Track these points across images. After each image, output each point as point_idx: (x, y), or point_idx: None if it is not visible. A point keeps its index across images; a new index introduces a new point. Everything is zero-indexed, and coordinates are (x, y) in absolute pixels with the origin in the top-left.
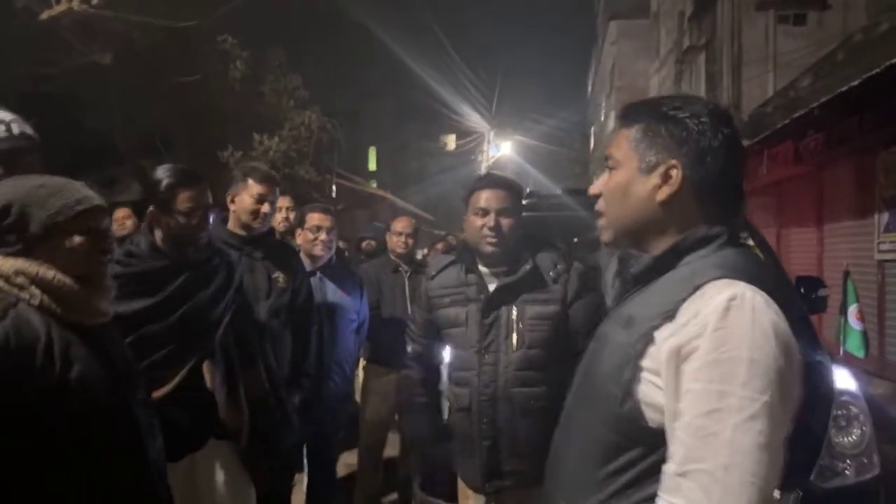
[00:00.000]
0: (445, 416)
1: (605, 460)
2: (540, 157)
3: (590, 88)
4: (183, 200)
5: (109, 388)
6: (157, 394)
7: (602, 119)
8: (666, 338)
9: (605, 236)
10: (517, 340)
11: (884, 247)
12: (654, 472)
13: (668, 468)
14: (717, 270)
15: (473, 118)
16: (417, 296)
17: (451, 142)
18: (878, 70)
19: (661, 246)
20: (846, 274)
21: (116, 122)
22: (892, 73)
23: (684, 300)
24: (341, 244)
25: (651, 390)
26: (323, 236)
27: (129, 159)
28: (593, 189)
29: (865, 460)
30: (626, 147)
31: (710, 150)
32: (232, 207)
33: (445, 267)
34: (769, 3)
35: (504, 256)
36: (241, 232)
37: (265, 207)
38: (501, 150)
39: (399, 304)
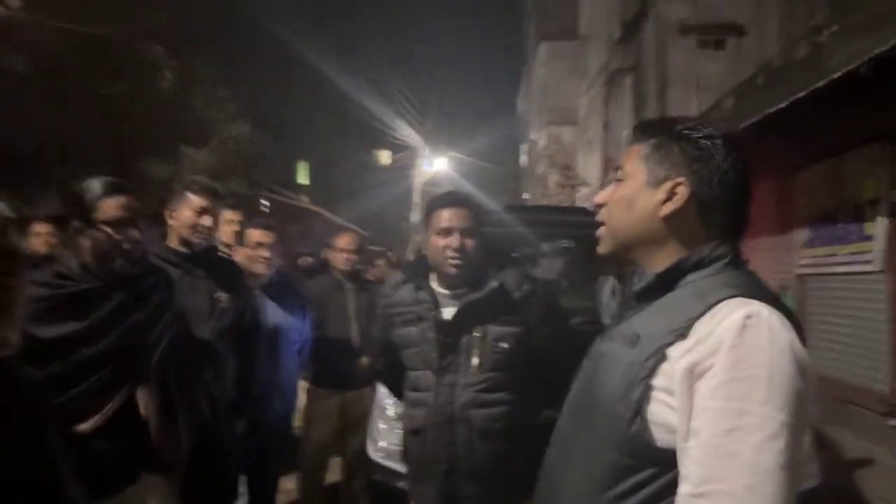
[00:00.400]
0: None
1: (611, 483)
2: (474, 174)
3: (520, 107)
4: (109, 210)
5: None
6: (86, 426)
7: (533, 137)
8: (679, 356)
9: (604, 246)
10: (479, 361)
11: (804, 262)
12: (664, 495)
13: (683, 489)
14: (728, 290)
15: (407, 134)
16: (374, 316)
17: (384, 157)
18: (802, 94)
19: (657, 260)
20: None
21: (33, 133)
22: (813, 97)
23: (697, 318)
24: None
25: (662, 409)
26: (265, 253)
27: (47, 172)
28: (598, 199)
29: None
30: (637, 160)
31: (719, 171)
32: (170, 222)
33: (400, 284)
34: (691, 29)
35: (467, 276)
36: (181, 248)
37: (206, 220)
38: (436, 166)
39: (343, 323)
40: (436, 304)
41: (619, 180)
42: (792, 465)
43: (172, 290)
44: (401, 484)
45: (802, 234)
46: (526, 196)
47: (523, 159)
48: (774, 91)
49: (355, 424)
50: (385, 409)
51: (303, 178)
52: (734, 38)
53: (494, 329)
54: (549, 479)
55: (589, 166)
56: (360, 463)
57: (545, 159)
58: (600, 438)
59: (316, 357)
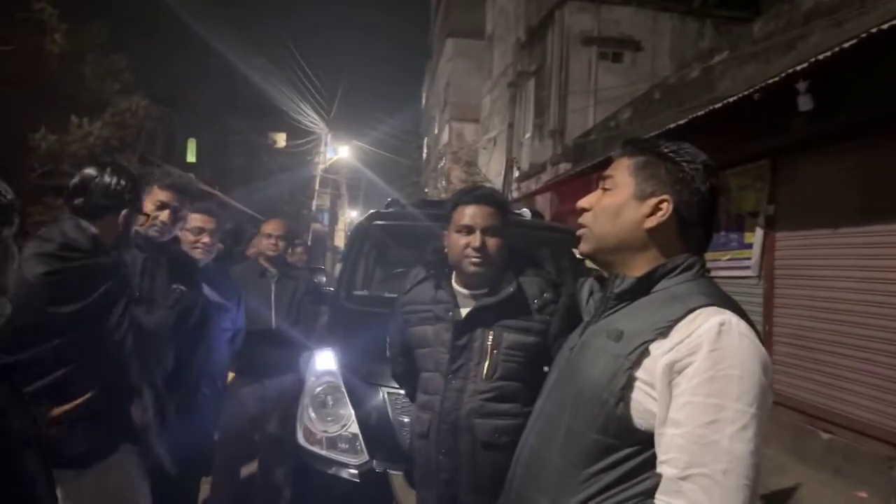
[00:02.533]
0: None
1: (592, 460)
2: (378, 164)
3: (424, 101)
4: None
5: None
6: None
7: (436, 132)
8: (661, 354)
9: (586, 247)
10: (488, 368)
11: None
12: (639, 472)
13: (669, 472)
14: (703, 298)
15: (310, 119)
16: (298, 302)
17: (280, 140)
18: (701, 112)
19: (635, 266)
20: None
21: None
22: (706, 116)
23: (678, 320)
24: None
25: (644, 398)
26: (205, 239)
27: None
28: (582, 203)
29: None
30: (626, 173)
31: (697, 193)
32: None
33: (420, 282)
34: (592, 40)
35: (488, 277)
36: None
37: (163, 216)
38: (339, 153)
39: (263, 311)
40: (455, 305)
41: (606, 189)
42: (759, 451)
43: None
44: (332, 470)
45: None
46: (426, 190)
47: (425, 153)
48: (669, 107)
49: (274, 412)
50: (318, 397)
51: (191, 156)
52: (631, 52)
53: (510, 337)
54: (527, 460)
55: (491, 164)
56: (281, 450)
57: (449, 155)
58: (583, 421)
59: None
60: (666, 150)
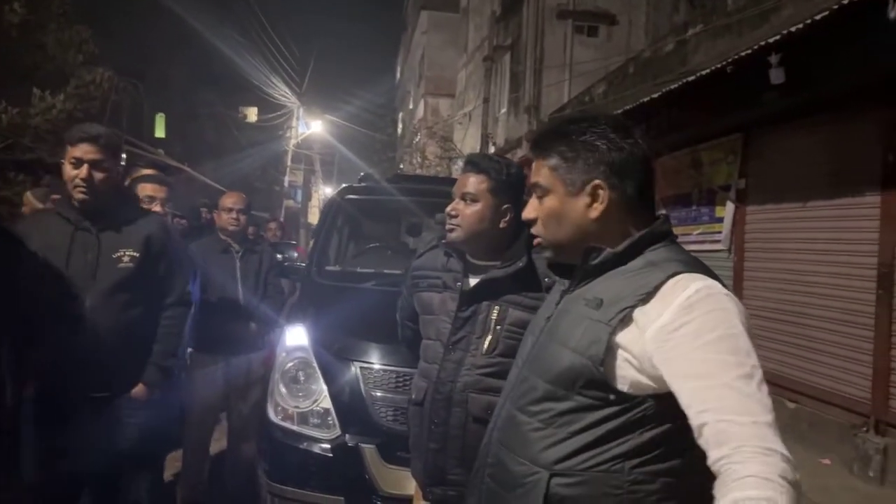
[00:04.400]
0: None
1: (570, 421)
2: (352, 139)
3: (399, 75)
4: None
5: None
6: None
7: (411, 106)
8: (648, 321)
9: (548, 255)
10: (489, 344)
11: None
12: (619, 434)
13: (741, 419)
14: (682, 265)
15: (281, 93)
16: (265, 277)
17: (252, 114)
18: (674, 86)
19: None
20: None
21: None
22: (679, 89)
23: (660, 284)
24: None
25: (624, 363)
26: (156, 208)
27: None
28: (526, 214)
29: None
30: (549, 175)
31: (621, 162)
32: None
33: (432, 248)
34: (567, 14)
35: (495, 249)
36: (76, 204)
37: (82, 172)
38: (312, 128)
39: (229, 287)
40: (464, 275)
41: (539, 196)
42: None
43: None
44: (303, 445)
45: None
46: (401, 166)
47: (400, 128)
48: (642, 80)
49: (243, 388)
50: (289, 373)
51: (160, 131)
52: (606, 26)
53: (514, 313)
54: (504, 425)
55: (467, 139)
56: (251, 426)
57: (424, 130)
58: (562, 384)
59: (199, 322)
60: (575, 136)
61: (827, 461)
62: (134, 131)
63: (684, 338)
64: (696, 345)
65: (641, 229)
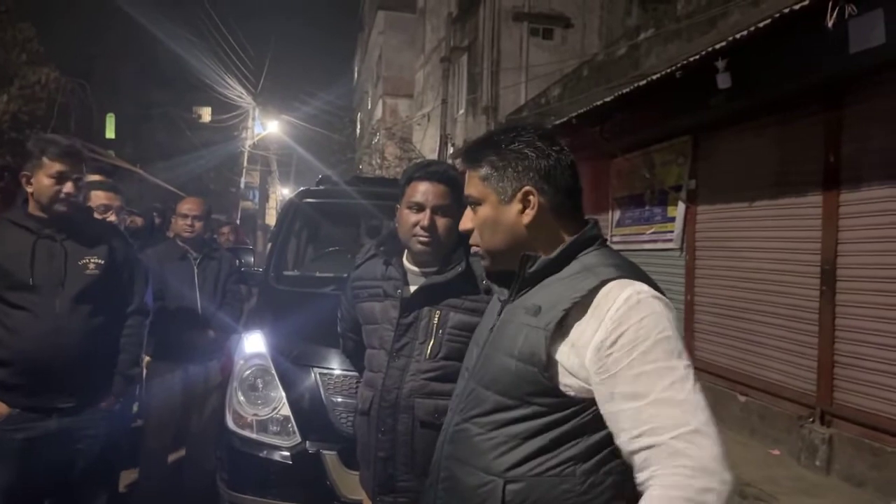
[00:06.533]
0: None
1: (520, 429)
2: (310, 140)
3: (356, 75)
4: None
5: None
6: None
7: (369, 107)
8: (588, 338)
9: (486, 264)
10: (432, 348)
11: (616, 239)
12: (568, 438)
13: (658, 439)
14: (614, 270)
15: (236, 93)
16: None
17: (206, 114)
18: (626, 90)
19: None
20: None
21: None
22: (632, 93)
23: (594, 290)
24: None
25: (563, 370)
26: (111, 217)
27: None
28: (463, 226)
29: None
30: (481, 186)
31: (549, 169)
32: (29, 189)
33: (371, 257)
34: (523, 16)
35: (437, 257)
36: (41, 214)
37: (67, 187)
38: (268, 128)
39: (187, 294)
40: (404, 282)
41: (472, 206)
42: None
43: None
44: (263, 453)
45: (615, 215)
46: (360, 167)
47: (359, 129)
48: (597, 84)
49: (201, 398)
50: (247, 380)
51: (110, 132)
52: (561, 28)
53: (456, 317)
54: (453, 438)
55: (426, 140)
56: (210, 436)
57: (383, 131)
58: (509, 394)
59: (157, 329)
60: (503, 146)
61: (776, 452)
62: (83, 133)
63: (619, 352)
64: (631, 358)
65: (573, 234)
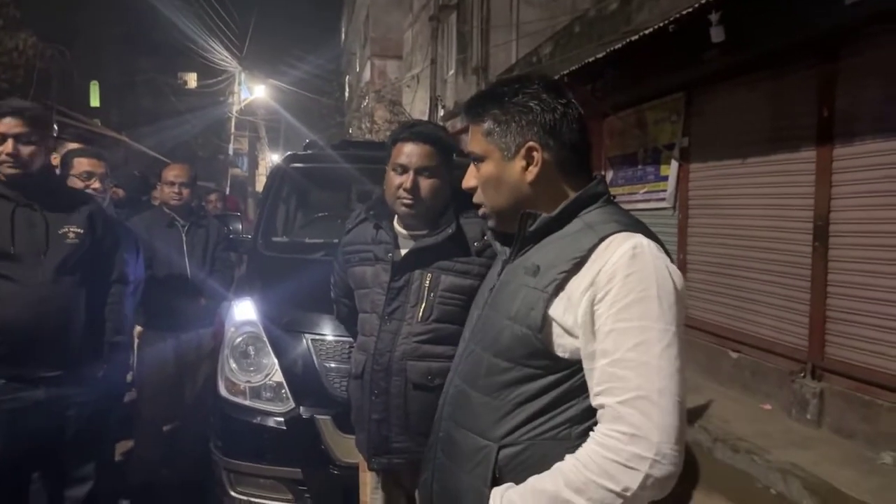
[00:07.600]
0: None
1: (516, 392)
2: (298, 105)
3: (343, 37)
4: None
5: None
6: None
7: (357, 69)
8: (582, 290)
9: (491, 223)
10: (424, 311)
11: None
12: (564, 400)
13: (607, 401)
14: (614, 224)
15: (221, 57)
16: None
17: (191, 80)
18: (618, 45)
19: (540, 210)
20: None
21: None
22: (623, 49)
23: (593, 248)
24: None
25: (560, 331)
26: (95, 184)
27: None
28: (466, 183)
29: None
30: (484, 141)
31: (555, 123)
32: None
33: (361, 222)
34: None
35: (425, 219)
36: (4, 178)
37: (7, 147)
38: (255, 93)
39: (176, 262)
40: (395, 246)
41: (475, 162)
42: (684, 367)
43: None
44: (257, 420)
45: (608, 175)
46: (350, 131)
47: (347, 92)
48: (589, 41)
49: (193, 366)
50: (238, 348)
51: (95, 99)
52: None
53: (447, 279)
54: (453, 399)
55: (416, 102)
56: (204, 404)
57: (372, 93)
58: (505, 355)
59: (147, 298)
60: (507, 99)
61: (768, 406)
62: (65, 100)
63: (602, 307)
64: (609, 314)
65: (578, 191)
